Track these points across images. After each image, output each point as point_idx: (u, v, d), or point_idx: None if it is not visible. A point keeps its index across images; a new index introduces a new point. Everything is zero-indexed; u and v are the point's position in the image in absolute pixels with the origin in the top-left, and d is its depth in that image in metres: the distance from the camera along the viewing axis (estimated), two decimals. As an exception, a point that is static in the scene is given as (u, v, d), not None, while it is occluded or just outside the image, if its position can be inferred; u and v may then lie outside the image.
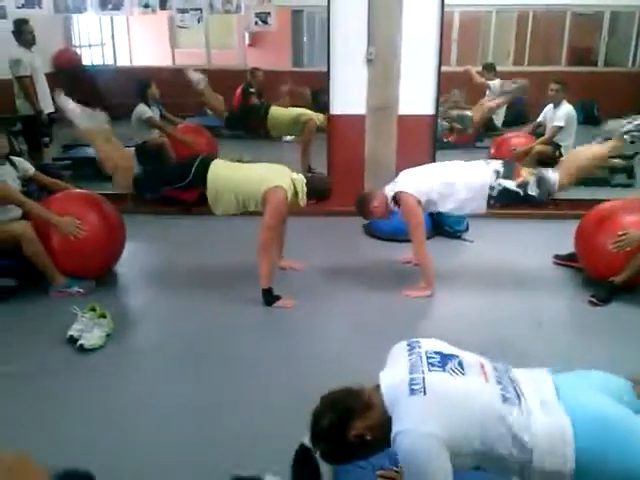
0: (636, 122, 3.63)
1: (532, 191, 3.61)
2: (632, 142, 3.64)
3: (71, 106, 3.68)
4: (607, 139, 3.81)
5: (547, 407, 1.69)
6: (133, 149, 5.38)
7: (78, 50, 8.47)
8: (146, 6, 4.87)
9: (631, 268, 3.52)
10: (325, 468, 2.09)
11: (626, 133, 3.62)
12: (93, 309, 3.25)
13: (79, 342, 3.06)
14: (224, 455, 2.32)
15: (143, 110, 5.63)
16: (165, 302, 3.68)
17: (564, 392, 1.73)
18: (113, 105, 7.38)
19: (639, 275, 3.57)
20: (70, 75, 7.65)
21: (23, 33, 5.44)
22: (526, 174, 3.66)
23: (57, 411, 2.61)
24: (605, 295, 3.61)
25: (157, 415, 2.59)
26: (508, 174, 3.65)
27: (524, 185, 3.61)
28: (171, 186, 3.70)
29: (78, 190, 4.07)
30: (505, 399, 1.68)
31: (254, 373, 2.91)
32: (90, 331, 3.11)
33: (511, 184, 3.61)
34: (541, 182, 3.62)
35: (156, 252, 4.49)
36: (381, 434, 1.70)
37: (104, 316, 3.24)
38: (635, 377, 1.81)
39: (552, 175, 3.65)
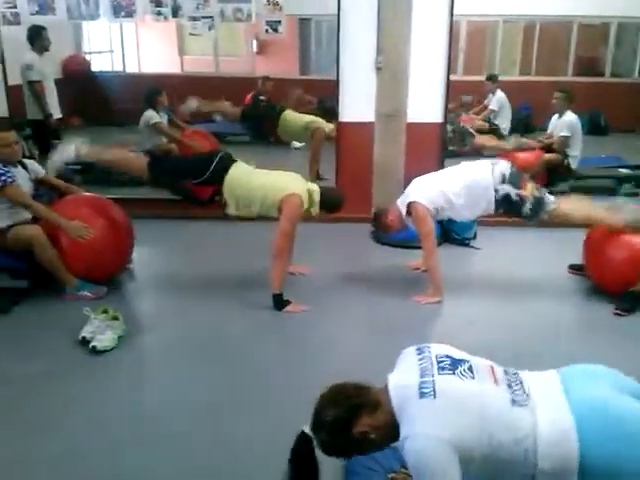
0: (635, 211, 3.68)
1: (525, 209, 3.61)
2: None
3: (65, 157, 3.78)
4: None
5: (553, 406, 1.68)
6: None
7: (87, 57, 8.54)
8: (159, 14, 4.90)
9: None
10: (333, 468, 2.09)
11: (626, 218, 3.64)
12: (105, 311, 3.26)
13: (91, 344, 3.07)
14: (238, 458, 2.33)
15: (151, 115, 5.66)
16: (175, 305, 3.70)
17: (570, 387, 1.73)
18: (121, 111, 7.49)
19: None
20: (79, 81, 7.72)
21: (39, 39, 5.50)
22: (530, 190, 3.62)
23: (68, 412, 2.62)
24: (628, 305, 3.60)
25: (168, 417, 2.59)
26: (514, 181, 3.63)
27: (523, 200, 3.60)
28: (188, 179, 3.67)
29: (87, 194, 4.08)
30: (514, 402, 1.68)
31: (264, 376, 2.92)
32: (102, 333, 3.12)
33: (513, 192, 3.60)
34: (538, 205, 3.61)
35: (166, 256, 4.51)
36: (384, 435, 1.70)
37: (116, 318, 3.25)
38: None
39: (551, 203, 3.63)
